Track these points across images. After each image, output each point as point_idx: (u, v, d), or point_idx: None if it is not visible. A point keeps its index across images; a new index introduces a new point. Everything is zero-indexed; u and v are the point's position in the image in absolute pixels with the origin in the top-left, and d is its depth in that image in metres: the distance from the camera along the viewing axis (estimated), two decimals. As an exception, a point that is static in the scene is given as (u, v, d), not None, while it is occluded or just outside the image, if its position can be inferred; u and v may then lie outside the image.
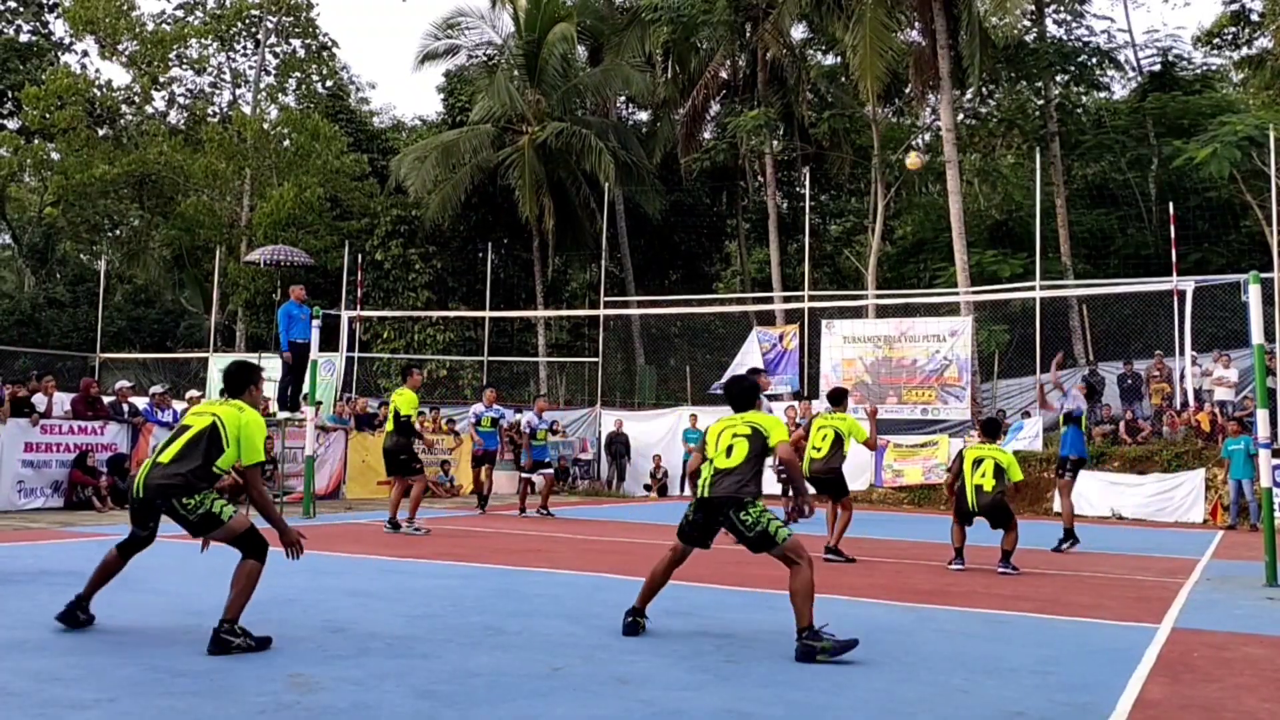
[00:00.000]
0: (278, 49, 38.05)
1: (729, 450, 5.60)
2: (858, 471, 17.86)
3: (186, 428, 5.47)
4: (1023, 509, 17.79)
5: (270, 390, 14.79)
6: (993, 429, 9.86)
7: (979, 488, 9.17)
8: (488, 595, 7.09)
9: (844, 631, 6.12)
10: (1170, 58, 26.84)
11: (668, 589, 7.78)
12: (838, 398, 10.67)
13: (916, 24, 24.34)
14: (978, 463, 9.25)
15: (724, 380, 6.66)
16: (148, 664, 4.68)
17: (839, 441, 9.92)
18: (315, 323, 13.78)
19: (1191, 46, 29.39)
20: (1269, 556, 9.00)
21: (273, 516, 5.50)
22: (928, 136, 29.06)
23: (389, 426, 12.14)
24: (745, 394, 6.02)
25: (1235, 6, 29.53)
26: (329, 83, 39.00)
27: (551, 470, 15.75)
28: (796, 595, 5.24)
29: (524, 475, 15.43)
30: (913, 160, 12.28)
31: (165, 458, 5.37)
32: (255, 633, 5.10)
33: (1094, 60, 25.66)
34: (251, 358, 12.16)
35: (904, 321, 20.90)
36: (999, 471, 9.18)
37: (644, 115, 33.93)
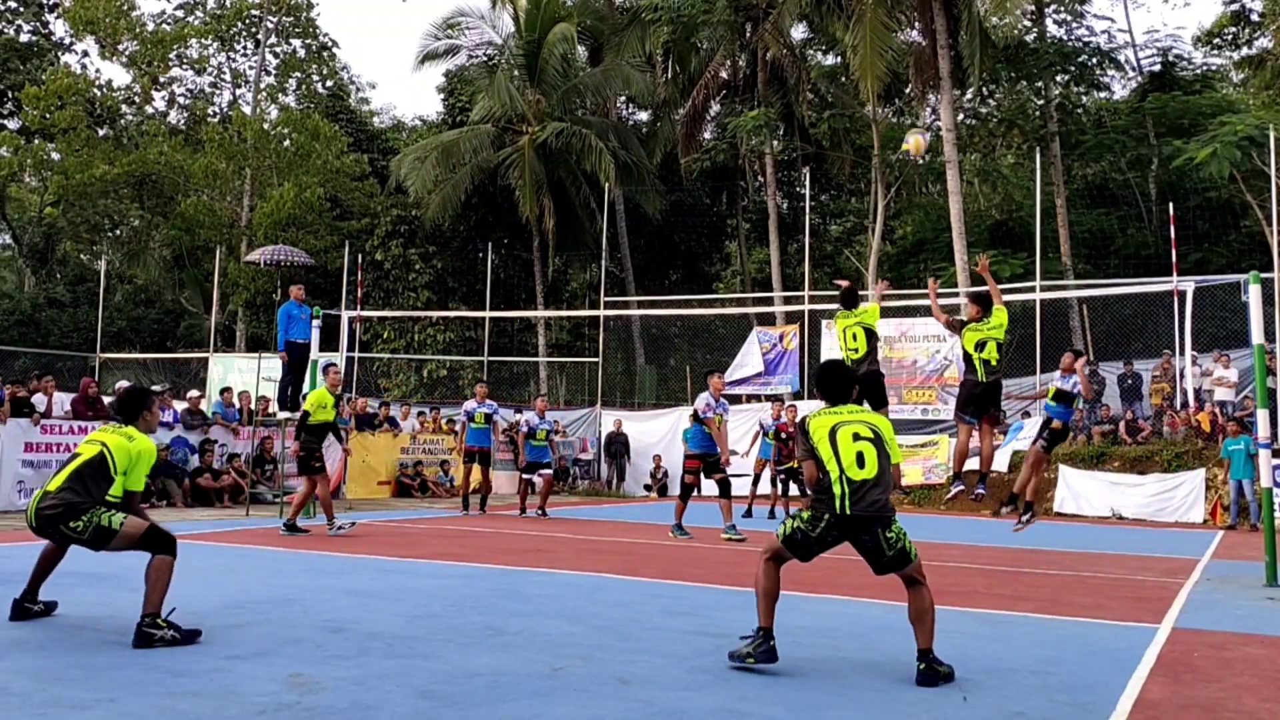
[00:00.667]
0: (278, 49, 38.10)
1: (859, 459, 4.98)
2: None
3: (77, 455, 5.48)
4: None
5: (270, 390, 14.82)
6: (986, 304, 9.64)
7: (986, 362, 9.43)
8: (488, 595, 7.09)
9: (844, 632, 6.13)
10: (1170, 58, 26.86)
11: (668, 589, 7.81)
12: (851, 297, 9.94)
13: (916, 24, 24.36)
14: (980, 345, 9.42)
15: (815, 371, 5.82)
16: (148, 664, 4.68)
17: (870, 335, 9.59)
18: (315, 323, 13.77)
19: (1191, 46, 29.46)
20: (1269, 556, 9.01)
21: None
22: (928, 136, 29.07)
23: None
24: (842, 382, 5.36)
25: (1235, 6, 29.56)
26: (329, 83, 39.05)
27: (550, 471, 15.47)
28: (926, 616, 4.90)
29: (524, 475, 15.32)
30: (915, 144, 11.69)
31: (53, 485, 5.40)
32: (253, 633, 5.09)
33: (1094, 60, 25.69)
34: (252, 358, 12.14)
35: (904, 321, 20.90)
36: (1000, 348, 9.48)
37: (644, 115, 33.95)
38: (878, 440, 5.05)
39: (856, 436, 5.03)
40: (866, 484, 4.92)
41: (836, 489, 4.95)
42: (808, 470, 5.21)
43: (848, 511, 4.91)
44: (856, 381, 5.51)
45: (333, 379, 11.91)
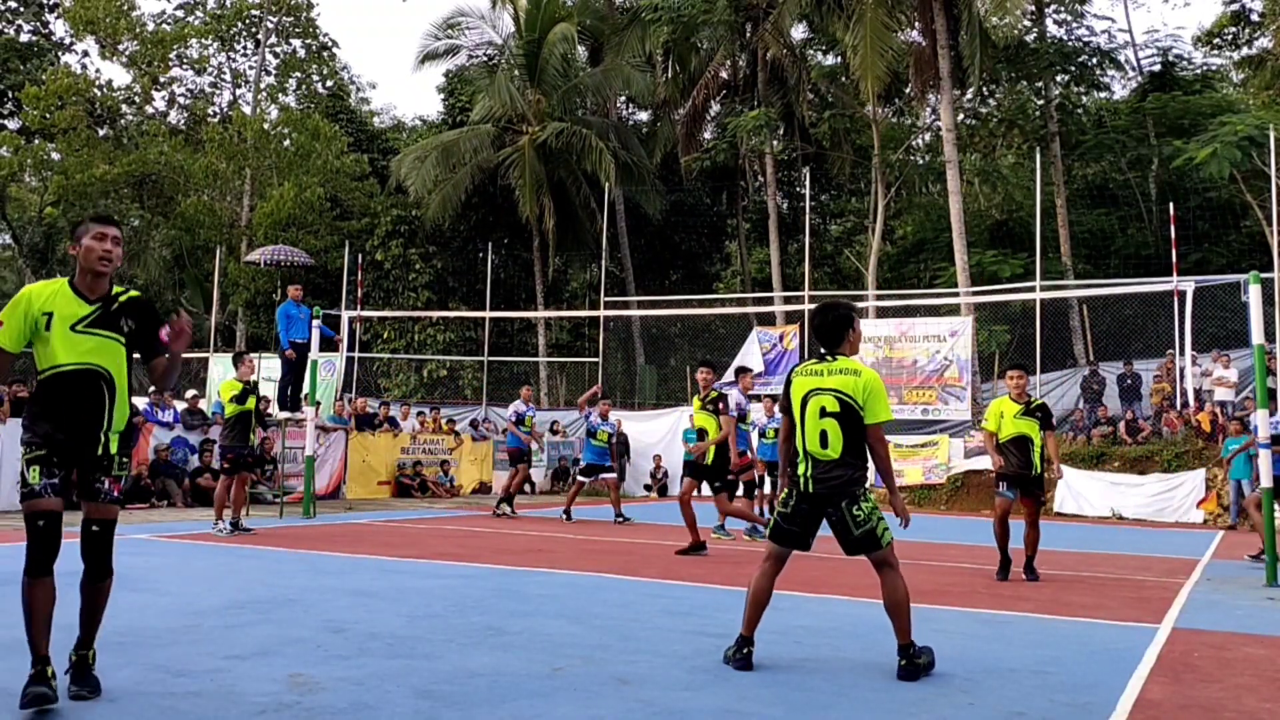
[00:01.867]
0: (278, 49, 38.07)
1: (823, 438, 4.91)
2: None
3: None
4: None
5: (270, 391, 14.80)
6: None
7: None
8: (488, 595, 7.09)
9: (844, 632, 6.13)
10: (1170, 58, 26.89)
11: (668, 589, 7.81)
12: (831, 328, 9.05)
13: (916, 24, 24.36)
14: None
15: (814, 310, 5.49)
16: (148, 664, 4.68)
17: (852, 417, 8.88)
18: (316, 323, 13.76)
19: (1191, 46, 29.52)
20: (1269, 556, 9.02)
21: None
22: (928, 136, 29.10)
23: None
24: (834, 327, 5.07)
25: (1235, 6, 29.58)
26: (329, 83, 39.02)
27: (614, 475, 15.10)
28: (899, 607, 4.83)
29: (581, 479, 15.00)
30: None
31: None
32: (253, 633, 5.07)
33: (1094, 60, 25.70)
34: (252, 357, 12.06)
35: (904, 322, 20.90)
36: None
37: (644, 115, 33.97)
38: (844, 413, 4.91)
39: (823, 412, 4.94)
40: (831, 463, 4.94)
41: (802, 467, 5.03)
42: (783, 424, 5.28)
43: (810, 490, 4.98)
44: (848, 327, 5.06)
45: (244, 368, 11.46)
